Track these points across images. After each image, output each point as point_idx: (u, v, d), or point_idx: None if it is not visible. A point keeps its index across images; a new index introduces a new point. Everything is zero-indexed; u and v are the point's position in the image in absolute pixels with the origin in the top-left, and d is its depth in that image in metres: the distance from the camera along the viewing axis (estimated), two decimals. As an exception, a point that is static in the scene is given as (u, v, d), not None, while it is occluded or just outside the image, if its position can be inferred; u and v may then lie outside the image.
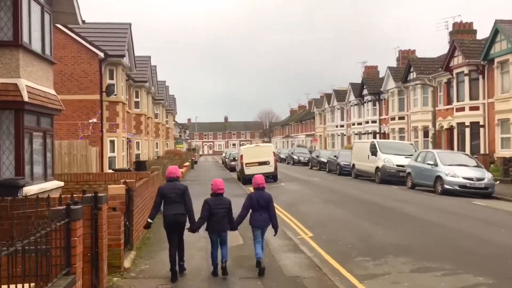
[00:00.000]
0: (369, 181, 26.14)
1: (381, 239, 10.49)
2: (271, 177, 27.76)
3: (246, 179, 26.63)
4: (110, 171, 21.53)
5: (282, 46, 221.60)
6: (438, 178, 18.84)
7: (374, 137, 48.31)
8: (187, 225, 7.65)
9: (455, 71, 31.95)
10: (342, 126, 60.04)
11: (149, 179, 11.54)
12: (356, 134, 53.53)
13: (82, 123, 20.98)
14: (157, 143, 42.29)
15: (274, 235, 8.11)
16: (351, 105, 55.14)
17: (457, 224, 12.39)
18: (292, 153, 50.23)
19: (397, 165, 23.80)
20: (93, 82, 21.13)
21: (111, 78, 22.26)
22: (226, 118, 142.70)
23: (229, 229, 7.74)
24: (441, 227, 12.04)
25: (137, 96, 30.64)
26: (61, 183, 13.15)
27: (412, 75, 38.66)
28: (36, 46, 11.59)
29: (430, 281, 7.51)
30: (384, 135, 46.29)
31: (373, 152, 25.35)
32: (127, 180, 8.71)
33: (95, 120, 21.06)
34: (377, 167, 24.68)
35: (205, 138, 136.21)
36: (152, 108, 37.72)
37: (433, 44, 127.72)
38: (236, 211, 7.95)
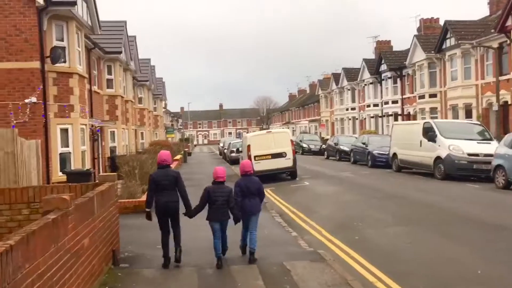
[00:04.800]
0: (423, 175, 19.39)
1: None
2: (288, 174, 21.04)
3: (255, 177, 19.81)
4: (61, 174, 14.75)
5: (276, 31, 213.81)
6: None
7: (396, 120, 41.61)
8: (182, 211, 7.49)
9: (514, 32, 25.18)
10: (353, 108, 53.18)
11: (47, 225, 4.59)
12: (372, 117, 46.78)
13: (15, 104, 14.02)
14: (142, 133, 35.32)
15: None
16: (365, 84, 48.23)
17: None
18: (300, 141, 43.28)
19: (469, 154, 17.02)
20: (29, 42, 14.11)
21: (60, 39, 15.25)
22: (221, 106, 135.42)
23: (234, 221, 7.48)
24: None
25: (109, 73, 23.63)
26: None
27: (450, 42, 31.77)
28: None
29: None
30: (409, 117, 39.51)
31: (430, 137, 18.51)
32: None
33: (34, 99, 14.09)
34: (438, 158, 17.89)
35: (200, 127, 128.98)
36: (133, 89, 30.69)
37: (457, 11, 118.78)
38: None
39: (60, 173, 14.72)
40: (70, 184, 7.78)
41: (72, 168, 15.33)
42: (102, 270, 6.51)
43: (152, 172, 7.83)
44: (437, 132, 18.23)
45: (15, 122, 13.91)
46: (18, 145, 12.10)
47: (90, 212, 5.82)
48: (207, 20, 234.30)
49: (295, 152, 20.52)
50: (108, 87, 23.54)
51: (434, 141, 18.23)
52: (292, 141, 20.49)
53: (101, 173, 21.90)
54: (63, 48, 15.22)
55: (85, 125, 16.70)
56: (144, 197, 13.51)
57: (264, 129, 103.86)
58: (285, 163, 20.03)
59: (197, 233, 9.08)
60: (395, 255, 7.86)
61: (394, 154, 21.82)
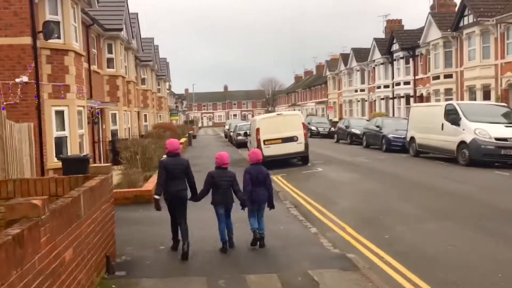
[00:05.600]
0: (443, 161, 18.14)
1: None
2: (299, 159, 19.87)
3: (265, 163, 18.62)
4: (56, 160, 13.63)
5: (282, 11, 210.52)
6: None
7: (407, 102, 40.20)
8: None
9: (539, 7, 23.62)
10: (362, 90, 51.63)
11: (6, 245, 3.46)
12: (382, 99, 45.30)
13: (5, 84, 12.83)
14: (145, 115, 34.17)
15: (270, 209, 7.62)
16: (376, 65, 46.59)
17: None
18: (308, 123, 41.78)
19: (497, 139, 15.76)
20: (19, 16, 12.87)
21: (54, 12, 13.98)
22: (226, 87, 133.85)
23: (241, 205, 7.38)
24: None
25: (110, 51, 22.34)
26: None
27: (467, 20, 30.17)
28: None
29: None
30: (421, 99, 38.09)
31: (453, 119, 17.24)
32: None
33: (25, 78, 12.90)
34: (462, 142, 16.64)
35: (204, 109, 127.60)
36: (135, 69, 29.41)
37: None
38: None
39: (56, 159, 13.63)
40: (56, 177, 6.64)
41: (69, 153, 14.24)
42: (93, 283, 5.39)
43: (162, 159, 7.89)
44: (461, 115, 16.93)
45: (4, 103, 12.74)
46: (7, 129, 11.00)
47: (74, 216, 4.67)
48: (212, 0, 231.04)
49: (307, 136, 19.29)
50: (108, 67, 22.30)
51: (458, 125, 16.95)
52: (304, 124, 19.23)
53: (102, 159, 20.81)
54: (57, 23, 13.97)
55: (83, 106, 15.52)
56: (146, 186, 12.42)
57: (270, 111, 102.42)
58: (296, 147, 18.85)
59: (205, 232, 7.98)
60: (437, 259, 6.70)
61: (412, 138, 20.56)
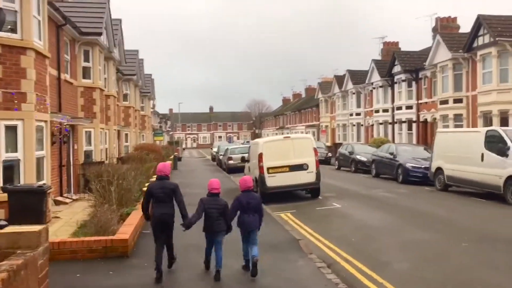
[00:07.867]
0: (481, 197, 15.18)
1: None
2: (309, 191, 16.76)
3: (268, 195, 15.53)
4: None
5: (270, 33, 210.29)
6: None
7: (410, 128, 37.64)
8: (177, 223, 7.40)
9: None
10: (358, 114, 49.03)
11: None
12: (381, 123, 42.68)
13: None
14: (126, 135, 30.76)
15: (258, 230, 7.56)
16: (374, 88, 44.09)
17: None
18: (304, 147, 38.83)
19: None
20: (-41, -1, 9.64)
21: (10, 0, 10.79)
22: (211, 108, 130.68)
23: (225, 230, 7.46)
24: None
25: (86, 59, 19.10)
26: None
27: (482, 40, 27.79)
28: None
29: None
30: (425, 124, 35.55)
31: (500, 149, 14.30)
32: None
33: (-37, 81, 9.59)
34: (510, 177, 13.71)
35: (189, 130, 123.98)
36: (117, 84, 26.15)
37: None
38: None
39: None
40: None
41: (22, 182, 10.86)
42: None
43: (144, 186, 8.04)
44: (509, 144, 14.03)
45: None
46: None
47: None
48: (201, 21, 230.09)
49: (319, 164, 16.20)
50: (84, 77, 19.05)
51: (506, 156, 14.02)
52: (315, 149, 16.14)
53: (72, 187, 17.33)
54: (14, 13, 10.77)
55: (45, 121, 12.20)
56: (121, 232, 9.05)
57: (257, 133, 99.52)
58: (306, 177, 15.75)
59: None
60: None
61: (439, 168, 17.59)
